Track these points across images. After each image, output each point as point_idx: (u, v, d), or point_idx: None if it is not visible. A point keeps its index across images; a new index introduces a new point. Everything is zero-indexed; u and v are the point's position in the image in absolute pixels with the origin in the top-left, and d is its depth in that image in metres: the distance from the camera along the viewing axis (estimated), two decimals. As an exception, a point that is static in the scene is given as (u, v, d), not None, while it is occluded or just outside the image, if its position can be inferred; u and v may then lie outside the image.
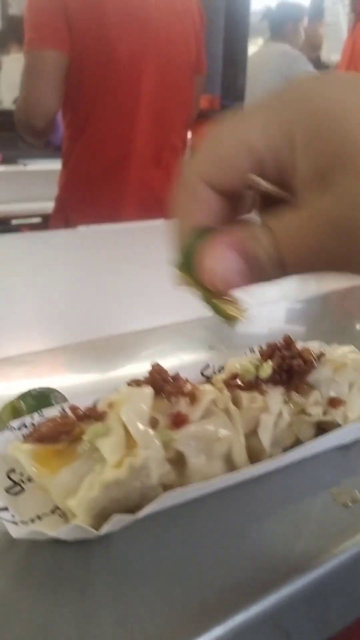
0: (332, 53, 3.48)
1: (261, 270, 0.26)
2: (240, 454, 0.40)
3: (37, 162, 2.75)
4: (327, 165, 0.24)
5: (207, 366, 0.48)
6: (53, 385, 0.46)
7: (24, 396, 0.45)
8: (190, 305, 0.80)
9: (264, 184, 0.27)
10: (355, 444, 0.45)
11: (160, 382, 0.40)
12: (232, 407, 0.40)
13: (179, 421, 0.38)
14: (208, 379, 0.48)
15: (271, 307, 0.80)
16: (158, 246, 1.32)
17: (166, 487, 0.37)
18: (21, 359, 0.59)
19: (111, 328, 0.69)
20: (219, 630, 0.30)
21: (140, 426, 0.36)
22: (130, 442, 0.35)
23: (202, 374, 0.48)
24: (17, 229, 2.46)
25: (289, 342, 0.45)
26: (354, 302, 0.85)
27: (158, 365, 0.42)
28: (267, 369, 0.42)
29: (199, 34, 1.55)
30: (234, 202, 0.29)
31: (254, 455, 0.41)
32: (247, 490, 0.39)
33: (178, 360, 0.59)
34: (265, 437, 0.41)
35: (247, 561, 0.34)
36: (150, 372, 0.41)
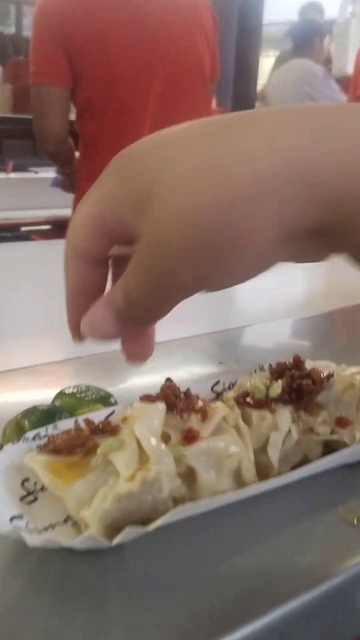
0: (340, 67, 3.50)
1: (124, 319, 0.29)
2: (249, 470, 0.41)
3: (47, 170, 2.77)
4: (141, 201, 0.26)
5: (217, 382, 0.49)
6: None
7: (28, 413, 0.46)
8: (201, 320, 0.81)
9: (116, 249, 0.30)
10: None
11: (173, 399, 0.41)
12: (242, 424, 0.41)
13: (190, 437, 0.39)
14: (218, 395, 0.49)
15: (278, 323, 0.81)
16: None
17: (176, 500, 0.38)
18: (31, 370, 0.61)
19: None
20: (226, 641, 0.31)
21: (153, 441, 0.37)
22: (143, 457, 0.36)
23: (212, 389, 0.49)
24: (27, 235, 2.49)
25: (298, 362, 0.46)
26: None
27: (170, 381, 0.43)
28: (277, 388, 0.43)
29: (212, 40, 1.56)
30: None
31: (263, 471, 0.42)
32: (255, 506, 0.40)
33: (188, 374, 0.60)
34: (274, 455, 0.42)
35: (255, 575, 0.35)
36: (163, 388, 0.42)
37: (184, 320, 0.80)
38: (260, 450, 0.42)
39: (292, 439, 0.43)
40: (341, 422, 0.44)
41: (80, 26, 1.37)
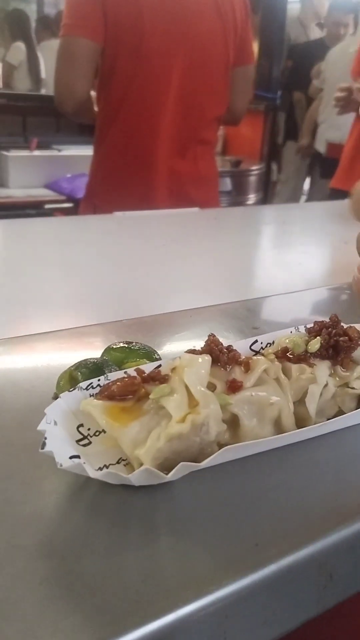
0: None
1: None
2: (288, 419, 0.43)
3: (70, 148, 2.79)
4: None
5: (256, 341, 0.52)
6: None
7: (79, 366, 0.49)
8: (232, 289, 0.84)
9: None
10: None
11: (217, 352, 0.43)
12: (282, 376, 0.44)
13: (234, 387, 0.42)
14: (257, 353, 0.51)
15: (306, 293, 0.83)
16: (193, 233, 1.37)
17: (221, 445, 0.41)
18: (77, 330, 0.63)
19: (155, 308, 0.73)
20: (273, 567, 0.34)
21: (201, 388, 0.39)
22: (192, 402, 0.39)
23: (250, 348, 0.51)
24: (51, 213, 2.51)
25: (335, 321, 0.48)
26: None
27: (214, 336, 0.45)
28: (315, 344, 0.45)
29: (242, 24, 1.55)
30: None
31: (300, 422, 0.45)
32: (295, 453, 0.43)
33: (224, 339, 0.63)
34: (312, 406, 0.44)
35: (297, 511, 0.38)
36: (207, 343, 0.44)
37: (212, 291, 0.83)
38: (299, 403, 0.45)
39: (329, 391, 0.45)
40: (376, 378, 0.46)
41: None
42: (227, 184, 2.76)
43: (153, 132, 1.52)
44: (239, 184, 2.82)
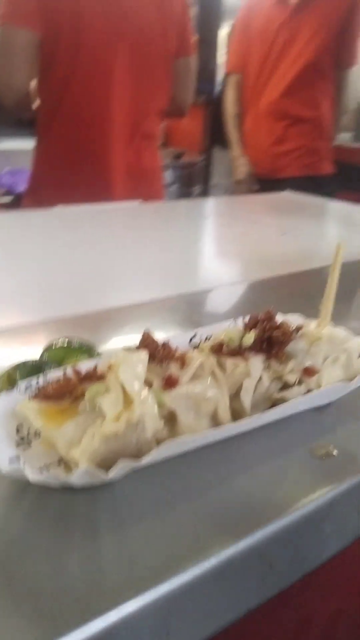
0: None
1: None
2: (224, 412, 0.44)
3: (9, 141, 2.73)
4: None
5: (195, 335, 0.52)
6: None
7: (19, 366, 0.48)
8: (173, 282, 0.84)
9: None
10: (328, 406, 0.50)
11: (152, 349, 0.43)
12: (217, 371, 0.44)
13: (170, 382, 0.42)
14: (196, 347, 0.52)
15: (244, 285, 0.84)
16: (134, 227, 1.37)
17: (159, 442, 0.41)
18: (16, 330, 0.62)
19: (98, 303, 0.73)
20: (213, 560, 0.34)
21: (137, 385, 0.40)
22: (127, 400, 0.39)
23: (190, 342, 0.52)
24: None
25: (269, 316, 0.49)
26: (309, 284, 0.90)
27: (149, 333, 0.45)
28: (250, 338, 0.46)
29: (182, 16, 1.56)
30: None
31: (236, 415, 0.45)
32: (233, 446, 0.43)
33: (165, 333, 0.63)
34: (247, 400, 0.45)
35: (234, 504, 0.39)
36: (142, 339, 0.44)
37: (154, 285, 0.83)
38: (234, 397, 0.45)
39: (263, 385, 0.46)
40: (308, 372, 0.48)
41: None
42: (169, 176, 2.77)
43: (97, 125, 1.51)
44: (181, 177, 2.83)
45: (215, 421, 0.44)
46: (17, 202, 2.35)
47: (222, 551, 0.35)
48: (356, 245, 1.21)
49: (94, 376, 0.41)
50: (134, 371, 0.40)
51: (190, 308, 0.72)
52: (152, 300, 0.73)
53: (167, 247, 1.10)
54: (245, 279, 0.87)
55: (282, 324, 0.48)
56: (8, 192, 2.59)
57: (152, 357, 0.43)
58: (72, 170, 1.55)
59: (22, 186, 2.19)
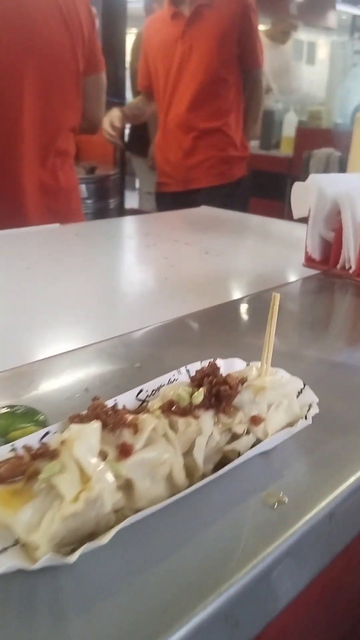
0: None
1: None
2: (179, 473, 0.44)
3: None
4: None
5: (141, 391, 0.52)
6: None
7: None
8: (106, 320, 0.83)
9: None
10: (273, 449, 0.51)
11: (103, 417, 0.43)
12: (170, 432, 0.45)
13: (125, 451, 0.42)
14: (143, 402, 0.52)
15: (180, 319, 0.84)
16: (57, 252, 1.34)
17: (117, 511, 0.41)
18: None
19: (31, 351, 0.71)
20: (184, 631, 0.35)
21: (93, 460, 0.39)
22: (84, 477, 0.39)
23: (137, 397, 0.52)
24: None
25: (214, 369, 0.50)
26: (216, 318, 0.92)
27: (98, 399, 0.45)
28: (199, 396, 0.47)
29: (89, 32, 1.55)
30: None
31: (189, 472, 0.46)
32: (187, 504, 0.44)
33: (104, 381, 0.63)
34: (199, 456, 0.45)
35: (197, 564, 0.39)
36: (92, 408, 0.44)
37: (86, 324, 0.82)
38: (187, 453, 0.46)
39: (214, 439, 0.47)
40: (255, 420, 0.49)
41: None
42: (84, 191, 2.74)
43: (11, 144, 1.49)
44: (96, 191, 2.80)
45: (170, 483, 0.44)
46: None
47: (190, 620, 0.35)
48: (271, 257, 1.25)
49: (46, 453, 0.40)
50: (89, 445, 0.40)
51: (129, 351, 0.72)
52: (89, 345, 0.73)
53: (92, 274, 1.08)
54: (179, 311, 0.87)
55: (227, 378, 0.49)
56: None
57: (104, 425, 0.43)
58: None
59: None
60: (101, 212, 2.77)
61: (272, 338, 0.52)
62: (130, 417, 0.44)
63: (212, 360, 0.53)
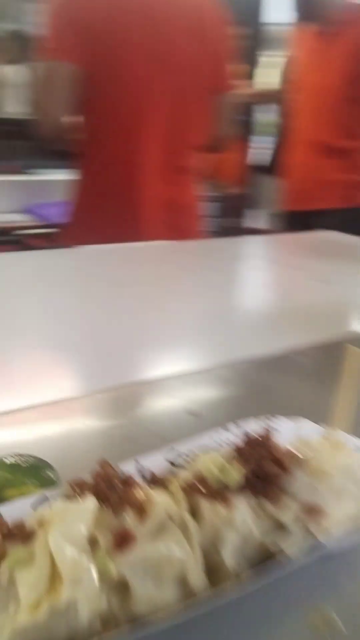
0: None
1: None
2: (196, 576, 0.34)
3: (52, 173, 2.71)
4: None
5: (172, 449, 0.42)
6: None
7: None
8: (211, 348, 0.74)
9: None
10: (336, 556, 0.39)
11: (106, 490, 0.34)
12: (189, 521, 0.34)
13: (123, 540, 0.32)
14: (173, 465, 0.42)
15: (251, 363, 0.73)
16: (161, 270, 1.27)
17: (105, 620, 0.31)
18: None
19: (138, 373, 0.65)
20: None
21: (71, 554, 0.30)
22: (56, 576, 0.30)
23: (166, 460, 0.42)
24: (21, 240, 2.42)
25: (267, 435, 0.39)
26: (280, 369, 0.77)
27: (106, 465, 0.36)
28: (235, 475, 0.36)
29: (222, 52, 1.52)
30: None
31: (215, 573, 0.35)
32: (208, 616, 0.33)
33: (147, 429, 0.53)
34: (227, 555, 0.35)
35: None
36: (96, 476, 0.35)
37: (191, 349, 0.74)
38: (212, 547, 0.35)
39: (252, 534, 0.36)
40: (312, 512, 0.37)
41: (101, 14, 1.35)
42: (212, 209, 2.70)
43: (134, 159, 1.48)
44: (219, 209, 2.75)
45: (183, 587, 0.34)
46: (54, 234, 2.30)
47: None
48: None
49: (21, 534, 0.31)
50: (71, 532, 0.31)
51: (188, 392, 0.62)
52: (145, 380, 0.64)
53: (197, 298, 1.00)
54: (287, 342, 0.76)
55: (280, 452, 0.37)
56: (45, 224, 2.55)
57: (105, 501, 0.34)
58: (109, 205, 1.52)
59: (57, 218, 2.16)
60: (223, 231, 2.71)
61: (353, 401, 0.40)
62: (141, 495, 0.34)
63: (269, 418, 0.42)
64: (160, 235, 1.50)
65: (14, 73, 2.79)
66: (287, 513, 0.36)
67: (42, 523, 0.32)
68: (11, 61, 2.85)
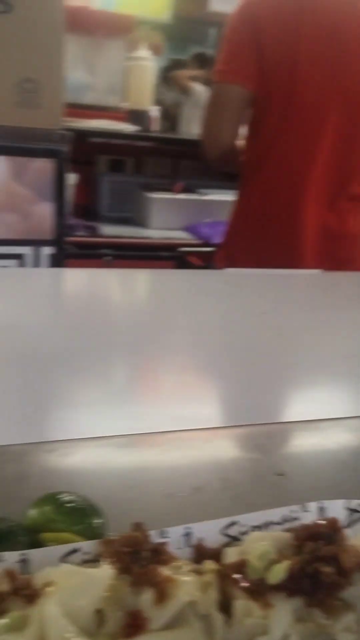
0: None
1: None
2: None
3: (215, 193, 2.74)
4: None
5: (232, 524, 0.37)
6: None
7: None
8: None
9: None
10: None
11: (128, 560, 0.30)
12: (216, 618, 0.29)
13: (134, 625, 0.28)
14: (233, 539, 0.37)
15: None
16: (307, 301, 1.20)
17: None
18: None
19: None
20: None
21: (65, 631, 0.27)
22: (46, 651, 0.26)
23: (223, 533, 0.37)
24: (183, 256, 2.47)
25: (333, 527, 0.33)
26: None
27: (139, 529, 0.32)
28: (278, 572, 0.30)
29: None
30: None
31: None
32: None
33: (214, 489, 0.48)
34: (259, 668, 0.29)
35: None
36: (123, 540, 0.31)
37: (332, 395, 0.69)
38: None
39: (292, 646, 0.30)
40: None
41: (275, 36, 1.33)
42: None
43: (300, 184, 1.45)
44: None
45: None
46: (211, 253, 2.33)
47: None
48: None
49: (27, 592, 0.29)
50: (74, 604, 0.28)
51: (279, 447, 0.56)
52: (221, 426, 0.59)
53: (339, 336, 0.93)
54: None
55: (341, 552, 0.31)
56: (206, 243, 2.58)
57: (125, 571, 0.30)
58: (269, 230, 1.49)
59: (216, 238, 2.18)
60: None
61: None
62: (166, 573, 0.30)
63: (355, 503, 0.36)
64: (321, 265, 1.44)
65: (191, 94, 2.86)
66: (338, 623, 0.30)
67: (47, 585, 0.29)
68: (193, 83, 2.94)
